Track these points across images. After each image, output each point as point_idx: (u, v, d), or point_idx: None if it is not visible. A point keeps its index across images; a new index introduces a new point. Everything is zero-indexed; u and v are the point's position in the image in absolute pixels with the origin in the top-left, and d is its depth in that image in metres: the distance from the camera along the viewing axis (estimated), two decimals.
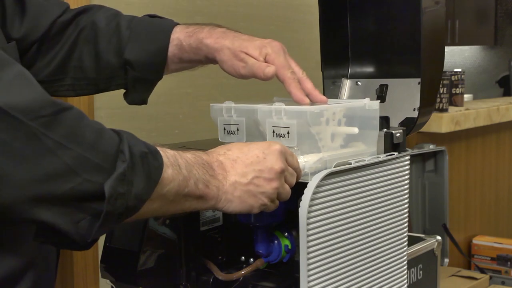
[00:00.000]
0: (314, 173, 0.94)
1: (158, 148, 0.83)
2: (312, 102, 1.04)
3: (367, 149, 1.04)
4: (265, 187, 0.90)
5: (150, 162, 0.80)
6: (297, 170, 0.95)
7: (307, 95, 1.04)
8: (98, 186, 0.75)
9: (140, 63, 1.15)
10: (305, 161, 0.95)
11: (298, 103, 1.02)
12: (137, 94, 1.19)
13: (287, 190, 0.93)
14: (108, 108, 1.76)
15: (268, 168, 0.90)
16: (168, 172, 0.82)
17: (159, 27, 1.16)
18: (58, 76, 1.16)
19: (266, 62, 1.06)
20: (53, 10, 1.14)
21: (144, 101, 1.21)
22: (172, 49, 1.14)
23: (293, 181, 0.94)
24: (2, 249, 0.87)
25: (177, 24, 1.17)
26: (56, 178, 0.73)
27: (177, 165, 0.84)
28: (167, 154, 0.83)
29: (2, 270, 0.87)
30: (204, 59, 1.14)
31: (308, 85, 1.06)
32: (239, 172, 0.90)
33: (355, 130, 1.00)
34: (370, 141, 1.05)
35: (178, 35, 1.14)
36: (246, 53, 1.07)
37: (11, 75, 0.73)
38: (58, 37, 1.15)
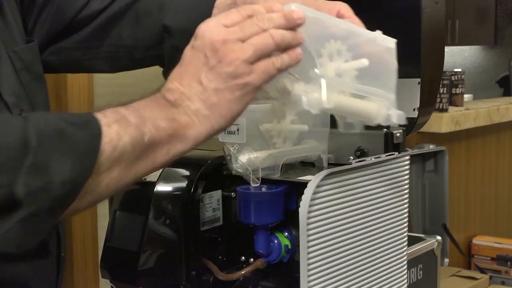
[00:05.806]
0: (264, 169, 0.96)
1: (95, 113, 0.72)
2: None
3: (319, 146, 1.04)
4: (223, 70, 0.74)
5: (76, 134, 0.68)
6: (259, 10, 0.77)
7: None
8: (10, 189, 0.64)
9: (180, 30, 1.05)
10: (256, 157, 0.96)
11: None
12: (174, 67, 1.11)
13: (258, 41, 0.74)
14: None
15: (208, 52, 0.75)
16: (112, 131, 0.70)
17: None
18: (93, 43, 1.07)
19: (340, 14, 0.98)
20: None
21: None
22: (226, 8, 1.03)
23: (263, 23, 0.75)
24: None
25: None
26: None
27: (121, 117, 0.72)
28: (105, 114, 0.72)
29: None
30: None
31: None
32: (192, 84, 0.76)
33: (365, 61, 0.92)
34: (321, 138, 1.04)
35: None
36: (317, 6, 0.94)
37: None
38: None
